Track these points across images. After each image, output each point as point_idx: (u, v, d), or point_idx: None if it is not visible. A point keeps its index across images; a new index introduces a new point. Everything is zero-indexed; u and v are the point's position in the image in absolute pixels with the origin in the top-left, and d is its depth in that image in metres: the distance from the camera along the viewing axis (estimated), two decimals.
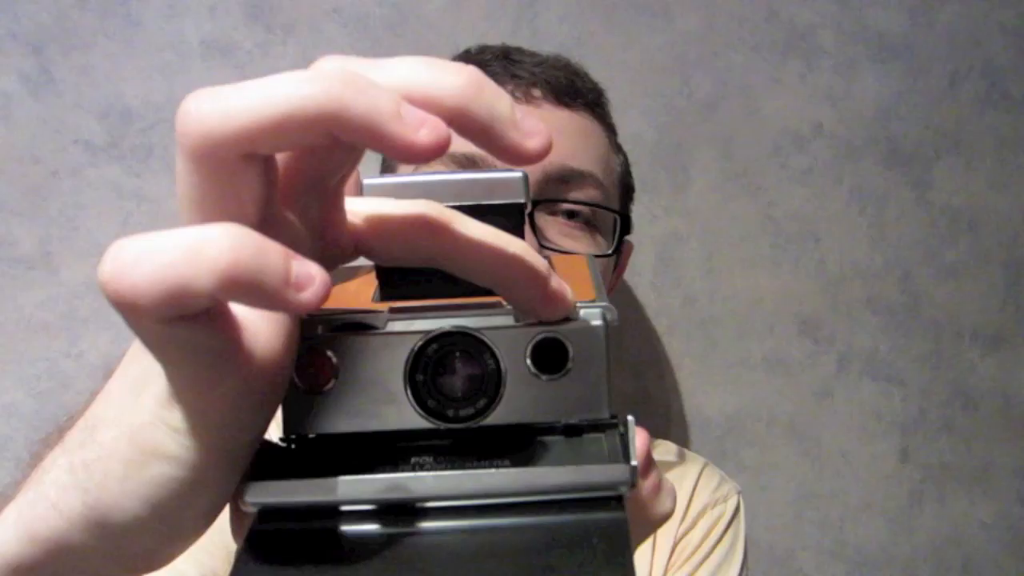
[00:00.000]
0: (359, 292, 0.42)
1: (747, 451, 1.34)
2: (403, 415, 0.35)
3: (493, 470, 0.33)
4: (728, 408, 1.34)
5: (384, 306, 0.38)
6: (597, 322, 0.36)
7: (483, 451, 0.35)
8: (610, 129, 0.72)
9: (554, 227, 0.65)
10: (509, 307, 0.37)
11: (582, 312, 0.36)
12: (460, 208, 0.38)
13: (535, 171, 0.64)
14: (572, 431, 0.36)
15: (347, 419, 0.35)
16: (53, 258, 1.18)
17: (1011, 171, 1.41)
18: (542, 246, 0.64)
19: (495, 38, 1.31)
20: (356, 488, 0.33)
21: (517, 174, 0.38)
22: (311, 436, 0.36)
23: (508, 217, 0.38)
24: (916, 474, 1.39)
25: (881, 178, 1.37)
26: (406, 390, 0.35)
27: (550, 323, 0.36)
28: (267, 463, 0.35)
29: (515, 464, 0.34)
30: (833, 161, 1.36)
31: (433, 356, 0.36)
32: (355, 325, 0.36)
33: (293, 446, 0.36)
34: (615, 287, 1.01)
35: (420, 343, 0.35)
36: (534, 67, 0.66)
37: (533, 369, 0.35)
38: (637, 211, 1.34)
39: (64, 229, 1.18)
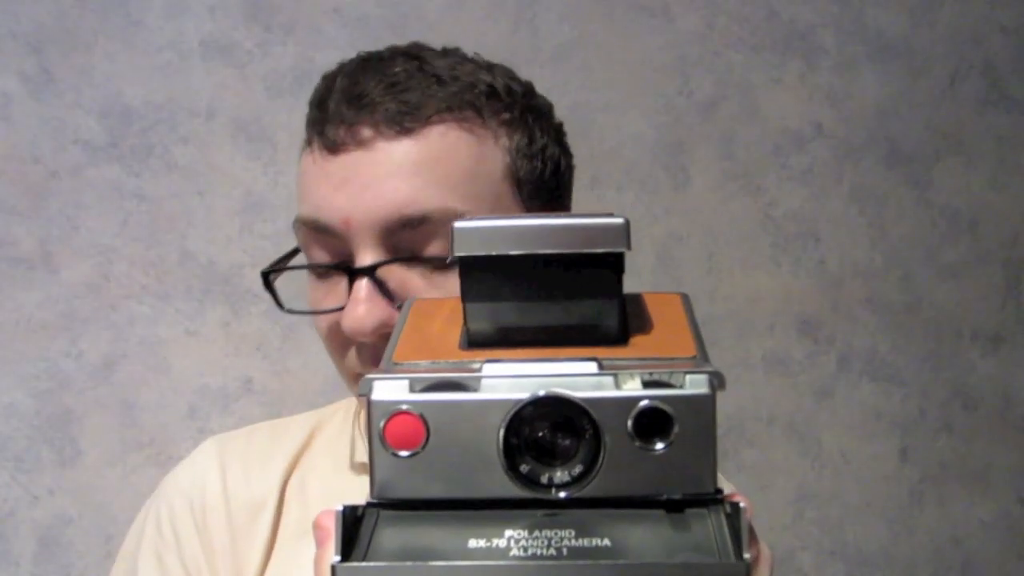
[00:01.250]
0: (444, 336, 0.39)
1: (747, 451, 1.34)
2: (496, 481, 0.33)
3: (599, 564, 0.31)
4: (728, 408, 1.34)
5: (475, 356, 0.36)
6: (704, 390, 0.33)
7: (581, 526, 0.32)
8: (488, 117, 0.62)
9: (418, 278, 0.59)
10: (611, 365, 0.34)
11: (688, 378, 0.33)
12: (556, 256, 0.35)
13: (374, 227, 0.58)
14: (673, 505, 0.33)
15: (438, 484, 0.34)
16: (53, 258, 1.18)
17: (1011, 171, 1.41)
18: (397, 304, 0.58)
19: (495, 38, 1.31)
20: (455, 575, 0.31)
21: (618, 220, 0.36)
22: (401, 500, 0.34)
23: (606, 266, 0.36)
24: (916, 474, 1.39)
25: (881, 178, 1.37)
26: (500, 455, 0.33)
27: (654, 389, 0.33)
28: (356, 533, 0.33)
29: (616, 545, 0.32)
30: (833, 161, 1.36)
31: (529, 420, 0.33)
32: (448, 386, 0.34)
33: (383, 510, 0.34)
34: None
35: (516, 409, 0.33)
36: (368, 99, 0.60)
37: (635, 439, 0.33)
38: (637, 211, 1.34)
39: (64, 229, 1.18)
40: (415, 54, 0.65)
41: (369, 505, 0.34)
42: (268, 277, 0.66)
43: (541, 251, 0.36)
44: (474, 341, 0.38)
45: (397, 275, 0.60)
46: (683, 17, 1.31)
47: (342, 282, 0.61)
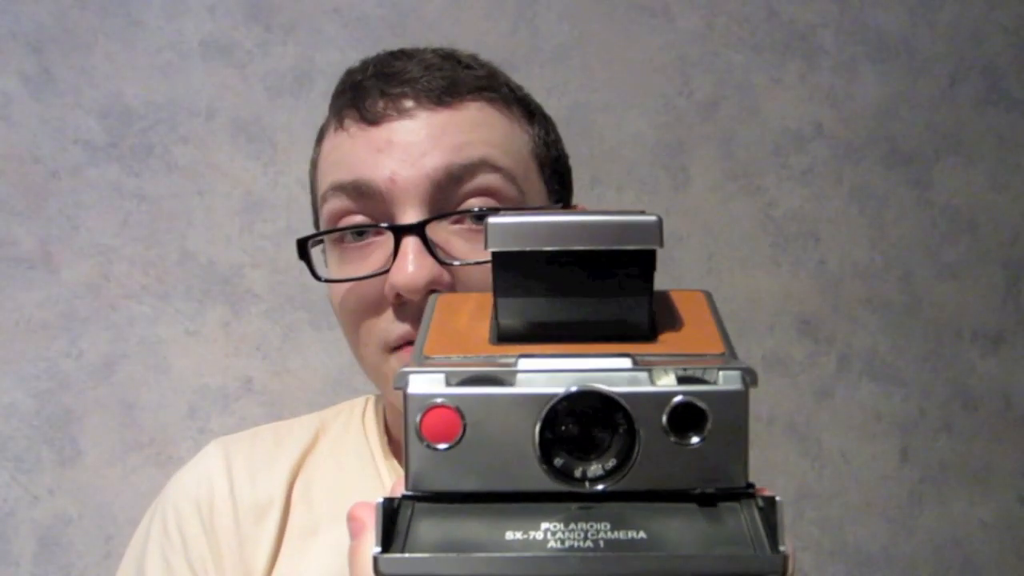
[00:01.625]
0: (473, 330, 0.40)
1: None
2: (531, 474, 0.34)
3: (639, 555, 0.32)
4: None
5: (507, 350, 0.36)
6: (737, 386, 0.34)
7: (616, 518, 0.33)
8: (512, 104, 0.67)
9: (458, 237, 0.61)
10: (644, 361, 0.35)
11: (721, 375, 0.34)
12: (590, 253, 0.36)
13: (420, 183, 0.60)
14: (706, 499, 0.34)
15: (474, 477, 0.34)
16: (53, 258, 1.18)
17: (1011, 171, 1.41)
18: (443, 263, 0.60)
19: (495, 38, 1.31)
20: (495, 566, 0.32)
21: (652, 218, 0.36)
22: (436, 493, 0.34)
23: (639, 263, 0.37)
24: (916, 474, 1.39)
25: (881, 178, 1.37)
26: (535, 449, 0.34)
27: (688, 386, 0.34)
28: (395, 525, 0.33)
29: (652, 538, 0.32)
30: (833, 161, 1.36)
31: (564, 415, 0.34)
32: (484, 380, 0.35)
33: (419, 503, 0.35)
34: None
35: (552, 403, 0.33)
36: (405, 76, 0.63)
37: (669, 433, 0.33)
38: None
39: (64, 229, 1.18)
40: (441, 47, 0.68)
41: (405, 497, 0.35)
42: (306, 245, 0.65)
43: (574, 247, 0.36)
44: (505, 336, 0.38)
45: (441, 235, 0.61)
46: (683, 17, 1.31)
47: (382, 246, 0.62)
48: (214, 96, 1.21)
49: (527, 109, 0.69)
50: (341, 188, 0.62)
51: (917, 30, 1.37)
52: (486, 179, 0.62)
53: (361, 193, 0.62)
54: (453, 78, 0.64)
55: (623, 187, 1.31)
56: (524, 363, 0.35)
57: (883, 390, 1.38)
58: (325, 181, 0.64)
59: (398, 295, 0.60)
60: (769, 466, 1.35)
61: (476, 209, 0.62)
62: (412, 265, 0.59)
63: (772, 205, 1.34)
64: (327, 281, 0.65)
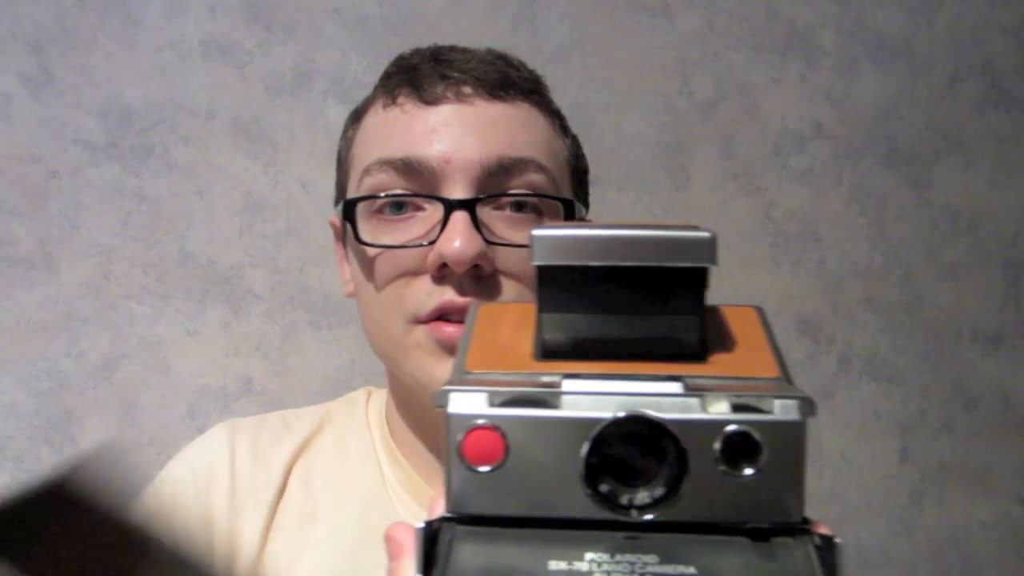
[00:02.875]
0: (515, 344, 0.39)
1: None
2: (575, 500, 0.32)
3: None
4: None
5: (551, 367, 0.35)
6: (795, 416, 0.32)
7: (665, 551, 0.31)
8: (552, 114, 0.70)
9: (500, 221, 0.64)
10: (694, 384, 0.33)
11: (777, 403, 0.32)
12: (640, 269, 0.34)
13: (472, 167, 0.63)
14: (759, 534, 0.32)
15: (516, 501, 0.33)
16: (53, 258, 1.18)
17: (1011, 171, 1.41)
18: (489, 243, 0.62)
19: (495, 38, 1.30)
20: None
21: (706, 235, 0.34)
22: (477, 516, 0.33)
23: (690, 281, 0.35)
24: (916, 474, 1.39)
25: (881, 178, 1.37)
26: (580, 474, 0.32)
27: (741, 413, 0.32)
28: (435, 548, 0.32)
29: (702, 573, 0.31)
30: (833, 161, 1.36)
31: (611, 440, 0.32)
32: (528, 401, 0.33)
33: (460, 526, 0.33)
34: None
35: (599, 429, 0.32)
36: (464, 65, 0.67)
37: (721, 464, 0.32)
38: (637, 211, 1.34)
39: (64, 229, 1.18)
40: (492, 48, 0.72)
41: (445, 519, 0.33)
42: (353, 207, 0.66)
43: (623, 263, 0.35)
44: (548, 352, 0.37)
45: (486, 215, 0.64)
46: (683, 17, 1.31)
47: (421, 221, 0.64)
48: (214, 96, 1.21)
49: (562, 122, 0.72)
50: (390, 163, 0.64)
51: (917, 30, 1.37)
52: (532, 177, 0.64)
53: (411, 169, 0.63)
54: (508, 75, 0.67)
55: (623, 187, 1.31)
56: (569, 384, 0.33)
57: (883, 390, 1.38)
58: (370, 155, 0.66)
59: (443, 266, 0.62)
60: None
61: (522, 195, 0.64)
62: (461, 237, 0.60)
63: (772, 205, 1.34)
64: (370, 245, 0.65)
